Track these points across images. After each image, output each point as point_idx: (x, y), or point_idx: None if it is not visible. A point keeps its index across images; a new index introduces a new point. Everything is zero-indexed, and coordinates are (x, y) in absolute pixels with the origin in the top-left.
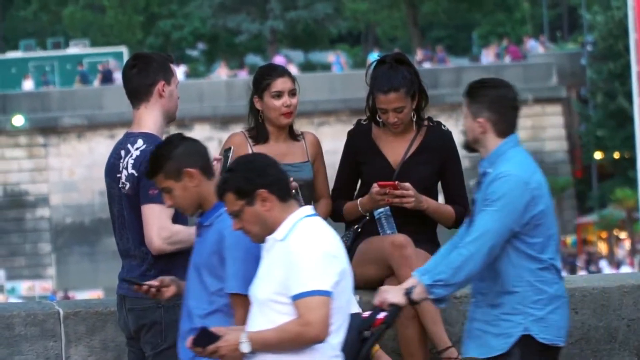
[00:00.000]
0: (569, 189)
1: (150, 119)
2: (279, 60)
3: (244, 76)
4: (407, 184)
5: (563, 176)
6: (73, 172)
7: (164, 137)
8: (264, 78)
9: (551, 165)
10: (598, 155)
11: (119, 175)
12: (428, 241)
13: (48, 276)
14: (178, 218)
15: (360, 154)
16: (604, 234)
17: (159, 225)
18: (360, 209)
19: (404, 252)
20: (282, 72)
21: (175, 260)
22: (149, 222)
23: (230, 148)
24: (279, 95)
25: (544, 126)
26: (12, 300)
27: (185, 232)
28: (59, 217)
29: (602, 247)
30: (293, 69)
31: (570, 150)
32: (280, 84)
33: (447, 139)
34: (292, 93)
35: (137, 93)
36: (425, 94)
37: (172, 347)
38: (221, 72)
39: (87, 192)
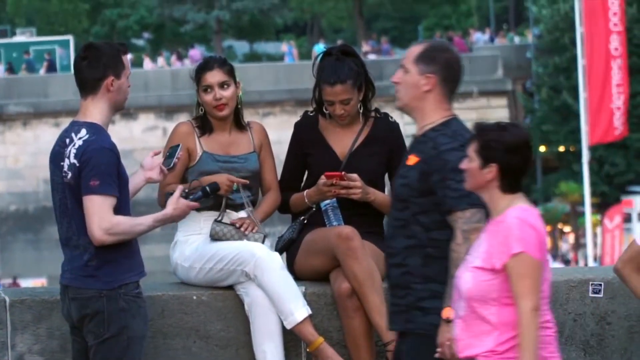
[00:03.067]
0: None
1: (96, 110)
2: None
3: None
4: (355, 175)
5: None
6: (18, 159)
7: (108, 127)
8: (196, 72)
9: None
10: (542, 148)
11: (62, 163)
12: (374, 233)
13: None
14: (122, 209)
15: (307, 146)
16: (548, 228)
17: (100, 216)
18: (307, 200)
19: (351, 243)
20: (213, 64)
21: (119, 251)
22: (90, 213)
23: (178, 145)
24: (207, 89)
25: (489, 119)
26: None
27: (127, 224)
28: (3, 205)
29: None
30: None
31: None
32: (209, 77)
33: (394, 130)
34: (223, 85)
35: (86, 85)
36: (372, 86)
37: (114, 337)
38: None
39: (31, 180)
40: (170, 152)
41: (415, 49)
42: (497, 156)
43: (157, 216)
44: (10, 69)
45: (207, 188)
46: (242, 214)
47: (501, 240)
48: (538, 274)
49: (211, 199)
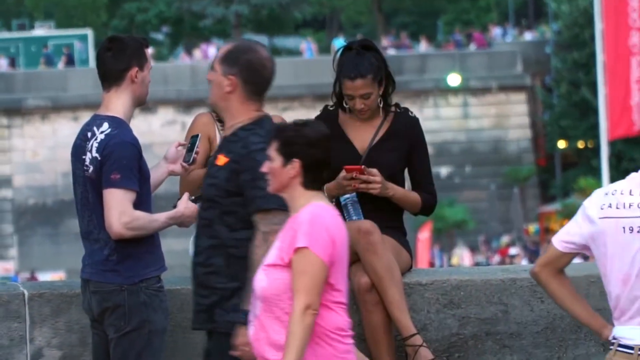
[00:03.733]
0: (532, 178)
1: (119, 103)
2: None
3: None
4: (374, 170)
5: (526, 165)
6: (36, 153)
7: (130, 121)
8: None
9: (515, 153)
10: (562, 144)
11: (84, 157)
12: (394, 228)
13: (10, 257)
14: (142, 204)
15: None
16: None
17: (120, 210)
18: (326, 194)
19: (370, 238)
20: None
21: (140, 246)
22: (110, 207)
23: (197, 135)
24: None
25: (508, 114)
26: None
27: (146, 219)
28: (21, 199)
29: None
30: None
31: (533, 139)
32: None
33: (414, 126)
34: None
35: (110, 77)
36: (392, 80)
37: (136, 330)
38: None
39: (50, 173)
40: (190, 143)
41: (222, 49)
42: (299, 151)
43: (170, 214)
44: (13, 64)
45: None
46: None
47: (291, 235)
48: (319, 273)
49: None
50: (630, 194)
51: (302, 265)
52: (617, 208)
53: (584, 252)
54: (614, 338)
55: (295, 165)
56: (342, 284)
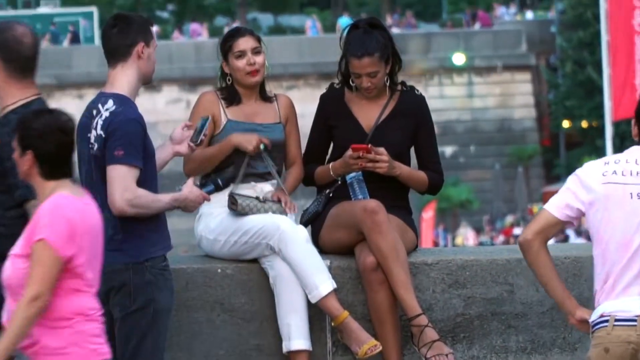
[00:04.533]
0: (536, 157)
1: (124, 80)
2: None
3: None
4: (382, 149)
5: (531, 144)
6: None
7: (136, 99)
8: (226, 40)
9: (519, 133)
10: (566, 124)
11: (89, 135)
12: (400, 207)
13: None
14: (147, 182)
15: (333, 118)
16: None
17: (123, 186)
18: (332, 173)
19: (376, 217)
20: (244, 32)
21: (145, 225)
22: (113, 183)
23: (208, 117)
24: (241, 54)
25: (513, 93)
26: None
27: (149, 197)
28: None
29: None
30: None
31: (538, 119)
32: (242, 43)
33: (420, 104)
34: (256, 51)
35: (116, 53)
36: (399, 59)
37: (141, 309)
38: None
39: None
40: (199, 124)
41: None
42: (30, 143)
43: (174, 195)
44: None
45: (219, 181)
46: (269, 186)
47: (33, 226)
48: (53, 265)
49: (223, 192)
50: (636, 163)
51: (37, 256)
52: (624, 175)
53: (574, 221)
54: (603, 315)
55: (29, 156)
56: (90, 271)
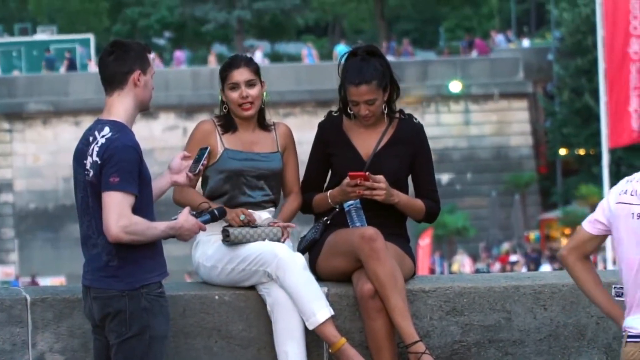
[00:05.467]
0: (533, 185)
1: (121, 107)
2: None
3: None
4: (380, 177)
5: (527, 172)
6: (38, 158)
7: (133, 126)
8: (223, 70)
9: (516, 160)
10: (563, 151)
11: (85, 161)
12: (398, 235)
13: (10, 261)
14: (143, 209)
15: (331, 146)
16: (567, 231)
17: (118, 212)
18: (330, 201)
19: (374, 245)
20: (240, 63)
21: (141, 252)
22: (108, 210)
23: (207, 148)
24: (234, 87)
25: (510, 121)
26: None
27: (144, 225)
28: (22, 203)
29: (565, 244)
30: (258, 58)
31: (535, 146)
32: (237, 75)
33: (418, 132)
34: (250, 84)
35: (112, 80)
36: (397, 86)
37: (136, 336)
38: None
39: (51, 178)
40: (198, 154)
41: None
42: None
43: (170, 224)
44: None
45: (216, 212)
46: (266, 213)
47: None
48: None
49: (218, 223)
50: None
51: None
52: (632, 195)
53: (609, 234)
54: (624, 330)
55: None
56: None
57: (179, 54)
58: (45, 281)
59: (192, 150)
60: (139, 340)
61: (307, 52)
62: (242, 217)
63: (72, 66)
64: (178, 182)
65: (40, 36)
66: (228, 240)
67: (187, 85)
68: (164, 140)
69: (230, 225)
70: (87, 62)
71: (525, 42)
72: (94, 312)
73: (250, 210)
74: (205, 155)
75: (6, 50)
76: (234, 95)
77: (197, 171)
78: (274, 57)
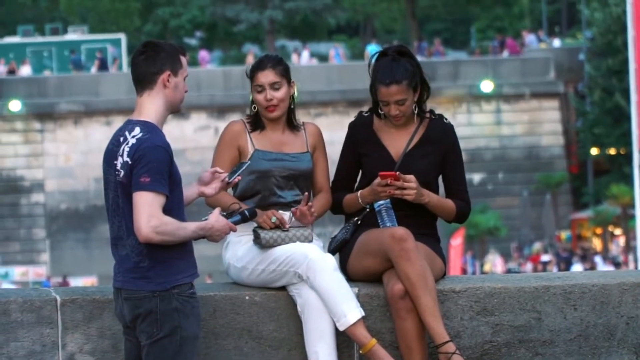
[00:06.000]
0: (564, 185)
1: (152, 108)
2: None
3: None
4: (410, 176)
5: (559, 171)
6: (69, 158)
7: (163, 127)
8: (251, 71)
9: (547, 160)
10: (594, 151)
11: (115, 162)
12: (428, 235)
13: (42, 262)
14: (173, 210)
15: (361, 146)
16: (599, 230)
17: (149, 212)
18: (360, 201)
19: (404, 245)
20: (266, 64)
21: (171, 252)
22: (139, 210)
23: (246, 162)
24: (260, 89)
25: (541, 121)
26: (6, 285)
27: (175, 225)
28: (53, 203)
29: (597, 243)
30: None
31: (566, 146)
32: (262, 77)
33: (448, 132)
34: (275, 87)
35: (142, 80)
36: (427, 86)
37: (167, 336)
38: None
39: (82, 178)
40: (237, 166)
41: None
42: None
43: (200, 224)
44: (11, 70)
45: (247, 212)
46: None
47: None
48: None
49: (249, 223)
50: None
51: None
52: None
53: None
54: None
55: None
56: None
57: (204, 54)
58: (76, 281)
59: (222, 150)
60: (170, 341)
61: (335, 52)
62: (273, 219)
63: (103, 66)
64: (206, 193)
65: (71, 36)
66: (259, 242)
67: (219, 85)
68: (195, 140)
69: (262, 227)
70: (120, 61)
71: (556, 42)
72: (125, 313)
73: (281, 212)
74: (243, 168)
75: (37, 50)
76: (260, 97)
77: (231, 180)
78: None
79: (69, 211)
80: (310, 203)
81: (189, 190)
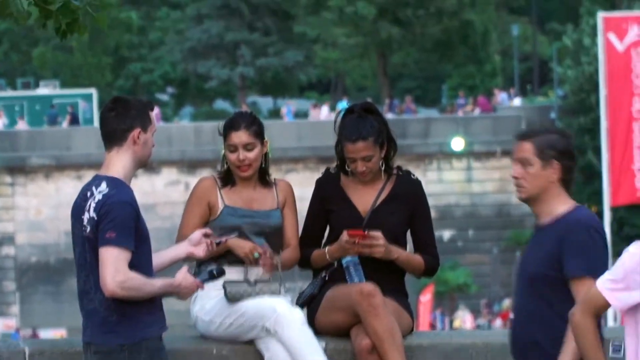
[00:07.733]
0: None
1: (119, 164)
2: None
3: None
4: (378, 234)
5: (529, 229)
6: (40, 211)
7: (133, 181)
8: (224, 129)
9: (518, 218)
10: None
11: (82, 217)
12: (396, 290)
13: (12, 314)
14: (141, 264)
15: (329, 202)
16: None
17: (115, 267)
18: (328, 257)
19: (372, 300)
20: (240, 125)
21: (139, 307)
22: (105, 265)
23: (236, 232)
24: (233, 149)
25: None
26: None
27: (140, 281)
28: (24, 256)
29: None
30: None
31: None
32: (235, 138)
33: (416, 188)
34: (248, 148)
35: (112, 136)
36: (394, 143)
37: None
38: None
39: (53, 232)
40: (225, 234)
41: None
42: None
43: (168, 281)
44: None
45: (214, 271)
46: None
47: None
48: None
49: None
50: None
51: None
52: None
53: None
54: None
55: None
56: None
57: (156, 111)
58: (46, 334)
59: (192, 206)
60: None
61: (287, 109)
62: (256, 254)
63: (74, 121)
64: (195, 254)
65: (43, 90)
66: (227, 295)
67: (190, 141)
68: (166, 195)
69: (230, 281)
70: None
71: (517, 101)
72: None
73: (249, 267)
74: (231, 236)
75: (9, 105)
76: (232, 157)
77: (218, 242)
78: (277, 113)
79: (39, 264)
80: (269, 250)
81: (178, 249)
